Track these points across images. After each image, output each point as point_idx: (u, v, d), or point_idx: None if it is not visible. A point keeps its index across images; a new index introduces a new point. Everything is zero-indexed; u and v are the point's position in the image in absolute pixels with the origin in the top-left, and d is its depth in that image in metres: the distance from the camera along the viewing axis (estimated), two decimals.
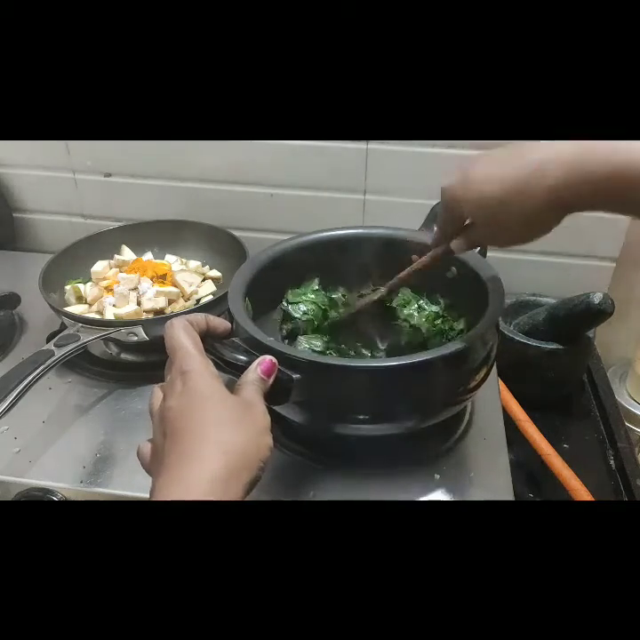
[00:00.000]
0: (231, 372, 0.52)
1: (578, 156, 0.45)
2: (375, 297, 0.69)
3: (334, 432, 0.63)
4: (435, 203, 0.74)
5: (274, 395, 0.51)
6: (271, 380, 0.50)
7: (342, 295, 0.76)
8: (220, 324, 0.53)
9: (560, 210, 0.48)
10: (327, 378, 0.57)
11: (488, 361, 0.62)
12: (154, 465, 0.44)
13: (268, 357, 0.51)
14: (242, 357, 0.52)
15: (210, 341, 0.51)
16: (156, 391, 0.48)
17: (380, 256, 0.74)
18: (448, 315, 0.73)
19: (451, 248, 0.58)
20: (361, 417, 0.60)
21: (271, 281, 0.71)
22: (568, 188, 0.46)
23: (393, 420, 0.61)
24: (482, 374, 0.62)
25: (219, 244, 0.93)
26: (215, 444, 0.42)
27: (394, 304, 0.75)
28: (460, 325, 0.70)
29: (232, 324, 0.58)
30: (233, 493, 0.40)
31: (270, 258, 0.71)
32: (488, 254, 0.72)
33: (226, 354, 0.52)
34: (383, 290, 0.68)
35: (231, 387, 0.48)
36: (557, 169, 0.45)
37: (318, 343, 0.71)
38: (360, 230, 0.76)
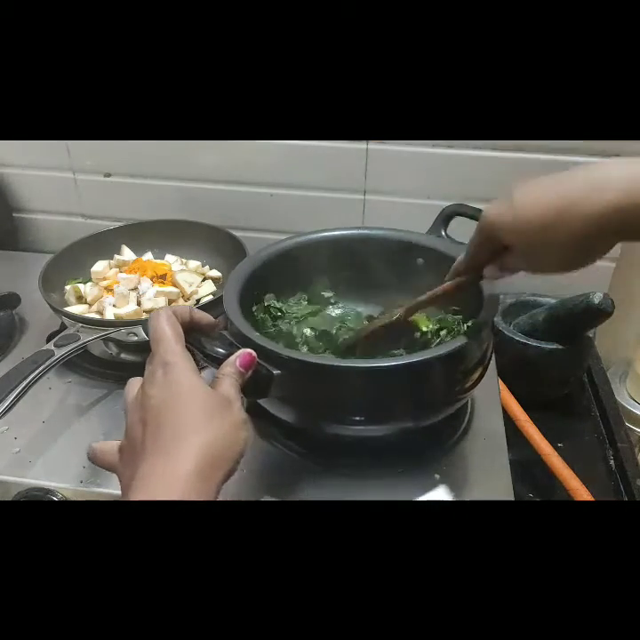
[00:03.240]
0: (210, 363, 0.52)
1: (635, 176, 0.43)
2: (389, 321, 0.65)
3: (322, 431, 0.63)
4: (444, 204, 0.73)
5: (253, 388, 0.51)
6: (249, 372, 0.50)
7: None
8: (204, 316, 0.53)
9: (610, 236, 0.46)
10: (306, 376, 0.57)
11: (483, 361, 0.62)
12: (129, 455, 0.44)
13: (248, 351, 0.51)
14: (220, 350, 0.52)
15: (195, 334, 0.52)
16: (133, 382, 0.48)
17: (380, 258, 0.74)
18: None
19: (483, 274, 0.56)
20: (346, 417, 0.60)
21: (268, 280, 0.71)
22: (622, 212, 0.43)
23: (381, 421, 0.61)
24: (477, 374, 0.62)
25: (219, 243, 0.93)
26: (195, 438, 0.42)
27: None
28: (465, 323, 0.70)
29: (227, 321, 0.58)
30: (211, 485, 0.41)
31: (267, 257, 0.71)
32: None
33: (206, 346, 0.52)
34: (400, 312, 0.64)
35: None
36: (612, 190, 0.43)
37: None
38: (358, 231, 0.76)
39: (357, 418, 0.60)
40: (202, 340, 0.52)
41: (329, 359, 0.65)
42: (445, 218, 0.73)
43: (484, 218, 0.52)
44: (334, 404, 0.59)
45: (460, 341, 0.58)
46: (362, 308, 0.77)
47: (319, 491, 0.61)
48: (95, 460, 0.48)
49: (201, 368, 0.48)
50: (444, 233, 0.73)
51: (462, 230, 0.70)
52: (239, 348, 0.52)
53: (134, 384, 0.48)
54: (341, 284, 0.77)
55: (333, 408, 0.59)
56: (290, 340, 0.70)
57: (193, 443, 0.42)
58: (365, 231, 0.76)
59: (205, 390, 0.45)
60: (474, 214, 0.71)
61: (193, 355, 0.48)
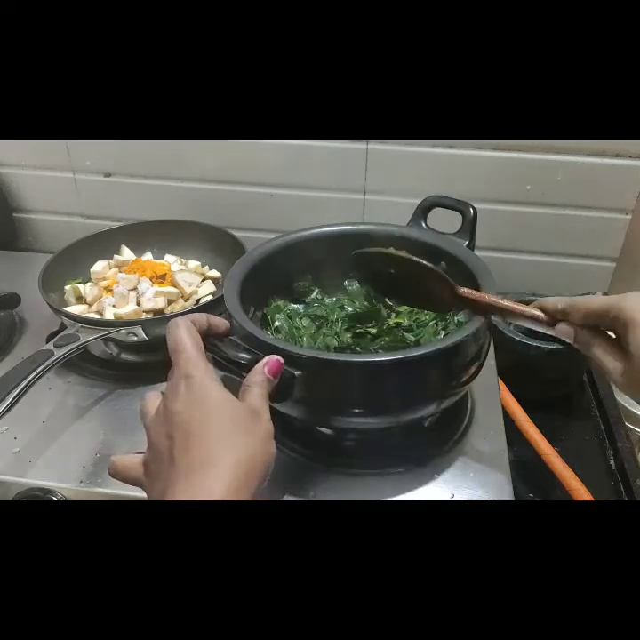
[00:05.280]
0: (232, 370, 0.52)
1: None
2: (434, 267, 0.59)
3: (333, 426, 0.63)
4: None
5: (277, 392, 0.51)
6: (277, 379, 0.50)
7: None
8: (221, 323, 0.54)
9: None
10: (327, 373, 0.57)
11: (481, 355, 0.63)
12: (157, 470, 0.44)
13: (275, 357, 0.51)
14: (245, 356, 0.52)
15: (211, 340, 0.51)
16: (151, 396, 0.48)
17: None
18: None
19: (558, 329, 0.50)
20: (358, 410, 0.60)
21: (265, 277, 0.71)
22: None
23: (391, 413, 0.61)
24: (475, 367, 0.62)
25: (219, 244, 0.93)
26: (227, 454, 0.42)
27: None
28: (461, 318, 0.70)
29: (231, 322, 0.58)
30: (246, 498, 0.41)
31: (262, 255, 0.71)
32: (488, 253, 0.72)
33: (229, 352, 0.52)
34: (461, 290, 0.59)
35: (227, 383, 0.48)
36: None
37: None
38: (349, 227, 0.76)
39: (369, 411, 0.60)
40: (221, 346, 0.52)
41: (349, 356, 0.64)
42: (424, 210, 0.75)
43: (620, 301, 0.46)
44: (350, 398, 0.59)
45: (465, 335, 0.58)
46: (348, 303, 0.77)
47: (319, 491, 0.61)
48: (117, 474, 0.47)
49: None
50: (424, 224, 0.74)
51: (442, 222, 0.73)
52: (256, 353, 0.52)
53: (152, 398, 0.48)
54: (327, 279, 0.77)
55: (347, 403, 0.60)
56: (297, 337, 0.70)
57: (227, 460, 0.41)
58: (355, 227, 0.76)
59: (233, 403, 0.45)
60: (452, 205, 0.73)
61: (214, 362, 0.48)
